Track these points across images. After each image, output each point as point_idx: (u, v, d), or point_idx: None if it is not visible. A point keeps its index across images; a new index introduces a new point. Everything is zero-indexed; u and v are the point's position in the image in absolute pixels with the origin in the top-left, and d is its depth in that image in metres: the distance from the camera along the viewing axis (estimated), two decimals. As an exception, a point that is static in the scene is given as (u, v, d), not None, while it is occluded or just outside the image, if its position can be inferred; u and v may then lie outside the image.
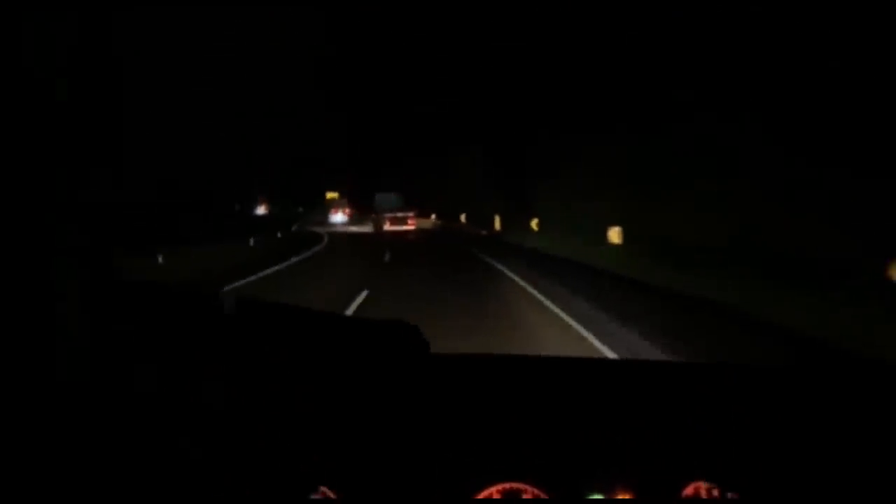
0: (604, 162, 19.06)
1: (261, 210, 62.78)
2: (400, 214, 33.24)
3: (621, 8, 16.02)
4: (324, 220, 46.53)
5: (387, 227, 32.40)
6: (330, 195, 57.43)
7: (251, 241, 24.17)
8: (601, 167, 19.89)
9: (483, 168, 33.52)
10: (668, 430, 1.17)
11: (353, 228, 39.22)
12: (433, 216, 43.99)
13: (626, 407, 1.22)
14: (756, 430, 1.16)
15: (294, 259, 18.28)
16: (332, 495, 1.10)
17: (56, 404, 0.89)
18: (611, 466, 1.13)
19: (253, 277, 13.24)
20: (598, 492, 1.10)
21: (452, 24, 34.92)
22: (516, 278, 12.76)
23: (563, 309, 8.88)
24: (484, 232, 30.75)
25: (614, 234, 16.62)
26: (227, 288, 11.15)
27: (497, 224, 30.71)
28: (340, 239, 29.83)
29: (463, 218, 37.83)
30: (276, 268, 15.55)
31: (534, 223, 25.21)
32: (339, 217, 47.41)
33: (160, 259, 15.08)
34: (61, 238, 0.90)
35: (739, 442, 1.15)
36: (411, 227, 32.59)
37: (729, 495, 1.10)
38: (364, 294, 10.37)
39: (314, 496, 1.09)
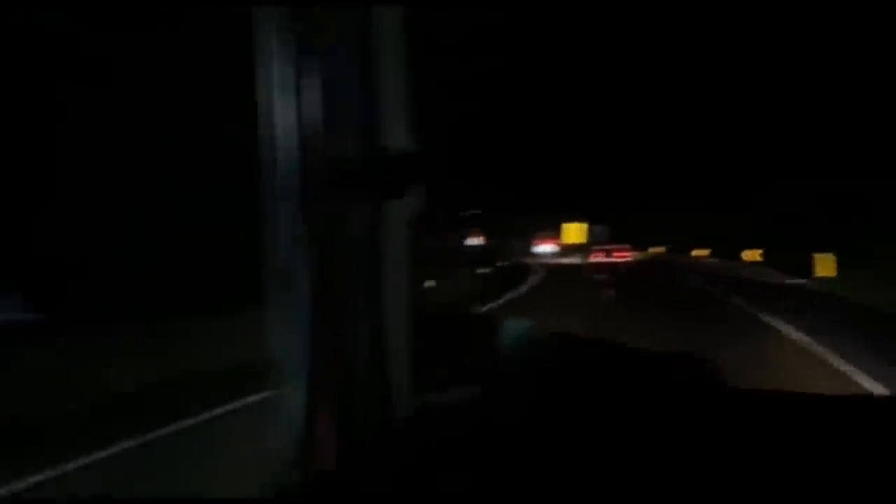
0: None
1: (473, 241, 57.18)
2: (610, 247, 33.68)
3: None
4: (525, 252, 42.91)
5: (598, 258, 32.63)
6: (568, 226, 53.92)
7: None
8: None
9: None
10: None
11: (565, 261, 37.19)
12: (706, 251, 36.89)
13: None
14: None
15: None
16: None
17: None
18: None
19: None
20: None
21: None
22: None
23: None
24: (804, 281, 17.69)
25: None
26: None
27: (826, 267, 17.43)
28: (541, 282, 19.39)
29: (748, 255, 25.95)
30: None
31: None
32: (545, 248, 44.73)
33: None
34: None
35: None
36: (628, 259, 32.12)
37: None
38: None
39: None
